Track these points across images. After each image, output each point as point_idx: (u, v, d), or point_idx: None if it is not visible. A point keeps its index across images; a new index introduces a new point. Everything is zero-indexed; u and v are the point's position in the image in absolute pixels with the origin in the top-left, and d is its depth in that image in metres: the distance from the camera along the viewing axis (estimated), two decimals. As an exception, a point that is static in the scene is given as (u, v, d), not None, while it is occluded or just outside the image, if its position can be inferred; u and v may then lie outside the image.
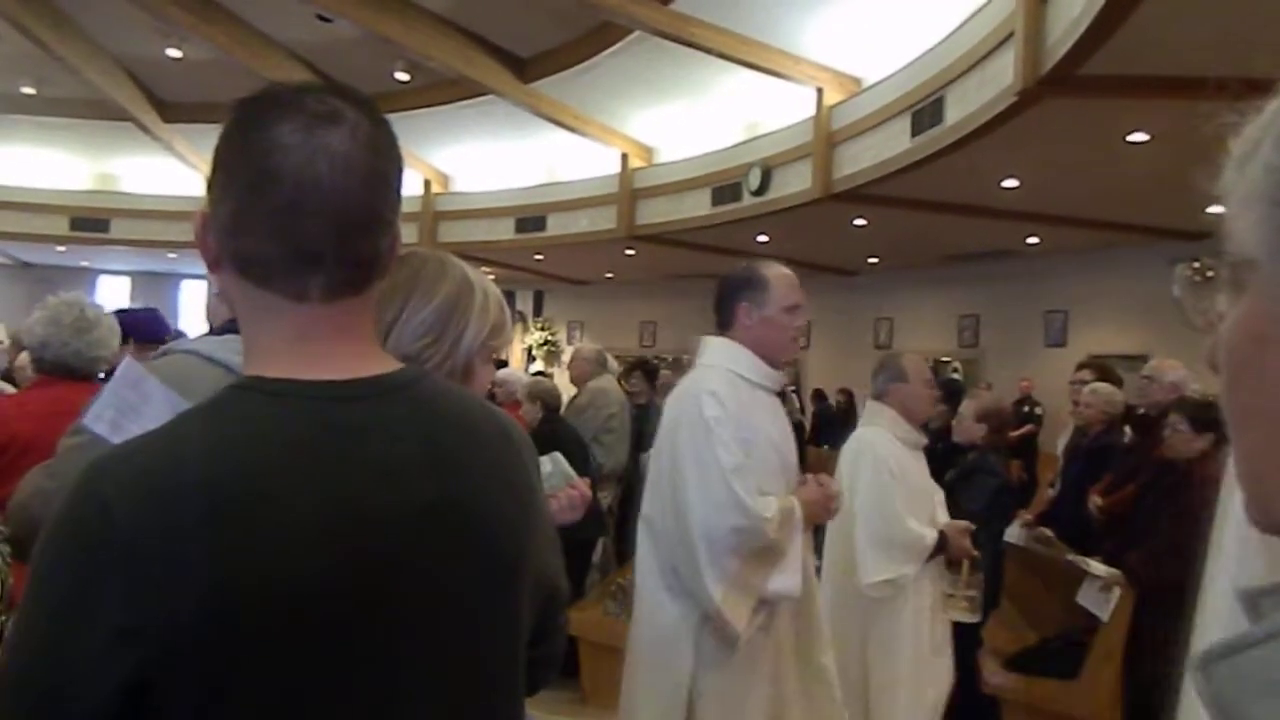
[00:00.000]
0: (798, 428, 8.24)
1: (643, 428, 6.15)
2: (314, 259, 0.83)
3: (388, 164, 0.87)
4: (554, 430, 4.80)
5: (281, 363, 0.85)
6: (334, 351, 0.86)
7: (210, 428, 0.82)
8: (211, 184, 0.86)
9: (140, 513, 0.75)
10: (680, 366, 15.06)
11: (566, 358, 6.36)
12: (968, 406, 4.21)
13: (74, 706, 0.74)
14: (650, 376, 6.55)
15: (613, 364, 6.53)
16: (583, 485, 1.88)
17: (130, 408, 1.24)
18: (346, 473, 0.82)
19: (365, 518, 0.82)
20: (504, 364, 10.07)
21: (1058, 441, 5.69)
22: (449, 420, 0.92)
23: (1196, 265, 0.54)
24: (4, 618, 2.28)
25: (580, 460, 4.26)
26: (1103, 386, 5.02)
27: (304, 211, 0.82)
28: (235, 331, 1.37)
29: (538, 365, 15.92)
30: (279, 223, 0.82)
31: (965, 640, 4.01)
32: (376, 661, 0.82)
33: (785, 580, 2.36)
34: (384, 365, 0.90)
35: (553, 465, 1.78)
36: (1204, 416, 3.55)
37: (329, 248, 0.83)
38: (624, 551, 5.82)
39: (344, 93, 0.87)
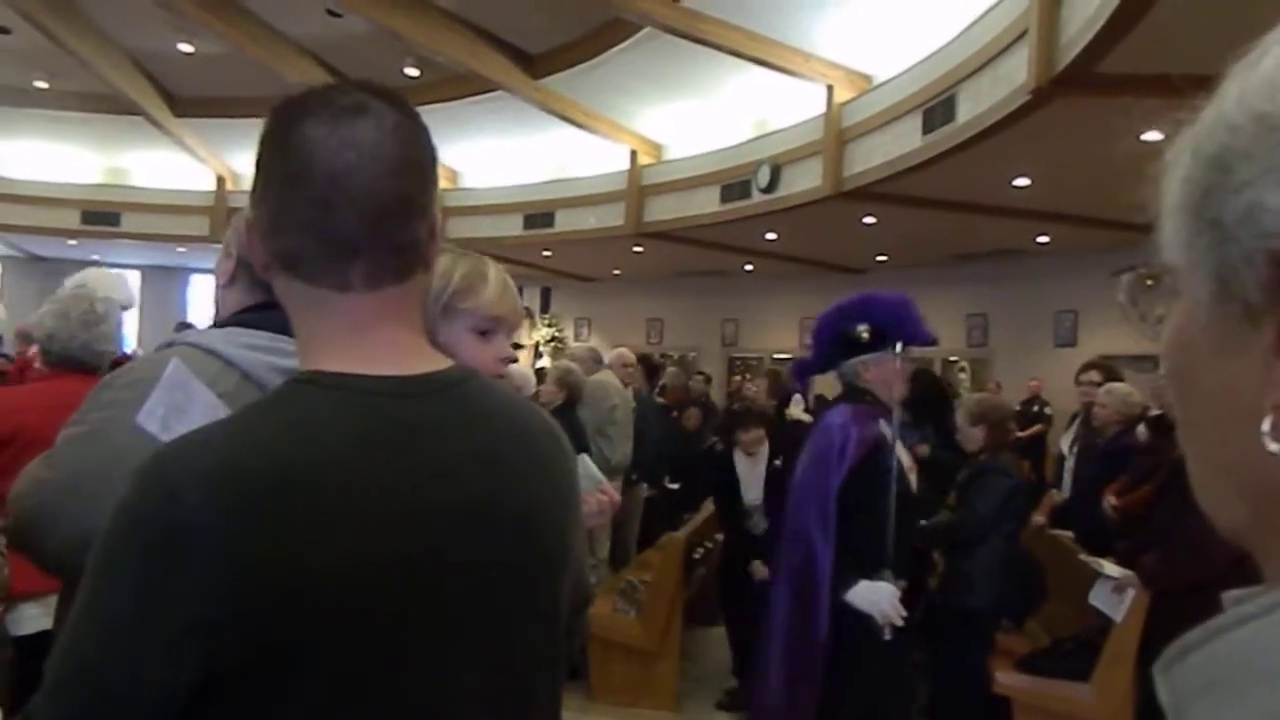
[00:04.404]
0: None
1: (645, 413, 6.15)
2: (351, 249, 0.85)
3: (418, 151, 0.88)
4: (565, 420, 4.79)
5: (339, 356, 0.86)
6: (388, 343, 0.88)
7: (273, 420, 0.83)
8: (253, 190, 0.88)
9: (208, 503, 0.76)
10: (686, 364, 14.98)
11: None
12: (960, 417, 4.13)
13: (137, 698, 0.74)
14: (650, 372, 6.55)
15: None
16: (611, 490, 1.87)
17: (178, 408, 1.27)
18: (403, 467, 0.84)
19: (421, 512, 0.83)
20: (512, 360, 10.07)
21: (1061, 441, 5.64)
22: (498, 419, 0.94)
23: (1142, 271, 0.53)
24: (1, 606, 2.28)
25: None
26: (1119, 386, 4.97)
27: (336, 203, 0.84)
28: (240, 324, 1.37)
29: (544, 362, 15.93)
30: (313, 216, 0.84)
31: (977, 641, 4.00)
32: (428, 652, 0.83)
33: None
34: (436, 362, 0.92)
35: (581, 468, 1.75)
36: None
37: (364, 236, 0.85)
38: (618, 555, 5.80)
39: (370, 87, 0.89)
